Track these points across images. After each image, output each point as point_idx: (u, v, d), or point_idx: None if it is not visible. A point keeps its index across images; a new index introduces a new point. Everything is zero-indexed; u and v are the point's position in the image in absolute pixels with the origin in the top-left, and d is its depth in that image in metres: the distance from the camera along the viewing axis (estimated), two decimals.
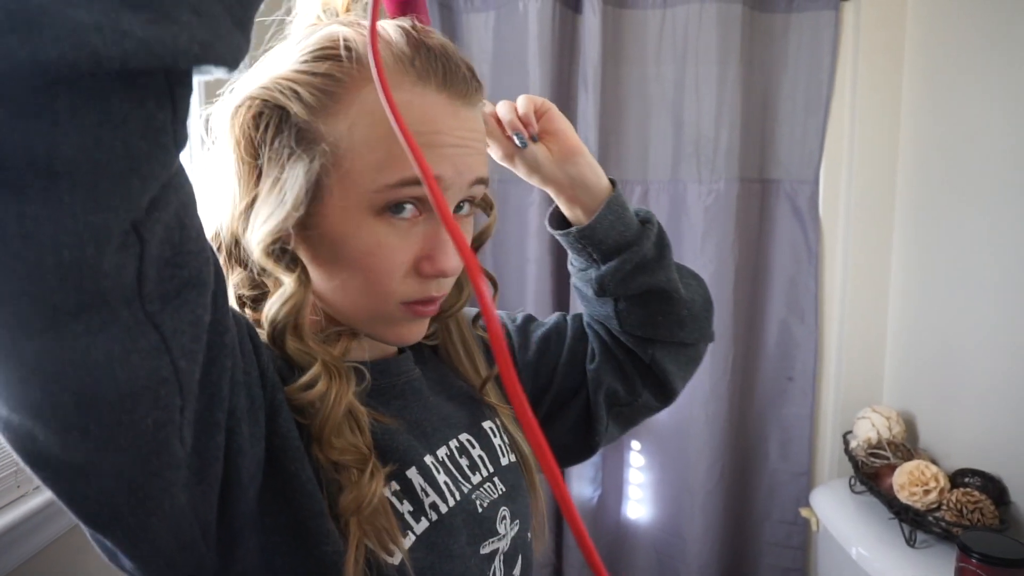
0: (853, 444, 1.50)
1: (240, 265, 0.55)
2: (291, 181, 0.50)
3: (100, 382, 0.32)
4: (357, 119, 0.50)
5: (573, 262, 0.74)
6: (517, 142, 0.66)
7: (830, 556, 1.44)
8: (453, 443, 0.61)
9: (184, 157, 0.36)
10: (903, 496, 1.26)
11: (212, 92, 0.55)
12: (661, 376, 0.75)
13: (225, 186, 0.54)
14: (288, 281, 0.52)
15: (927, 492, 1.23)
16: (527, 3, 1.54)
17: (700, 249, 1.60)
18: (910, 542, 1.24)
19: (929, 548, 1.23)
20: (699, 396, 1.63)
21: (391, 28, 0.53)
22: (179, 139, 0.32)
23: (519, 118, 0.67)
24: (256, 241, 0.52)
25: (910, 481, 1.25)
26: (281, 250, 0.52)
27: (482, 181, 0.56)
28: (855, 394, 1.63)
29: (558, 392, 0.75)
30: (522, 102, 0.67)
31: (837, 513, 1.43)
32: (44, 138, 0.27)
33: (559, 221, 0.73)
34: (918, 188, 1.52)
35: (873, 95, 1.56)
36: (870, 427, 1.47)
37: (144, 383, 0.34)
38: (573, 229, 0.69)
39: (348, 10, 0.57)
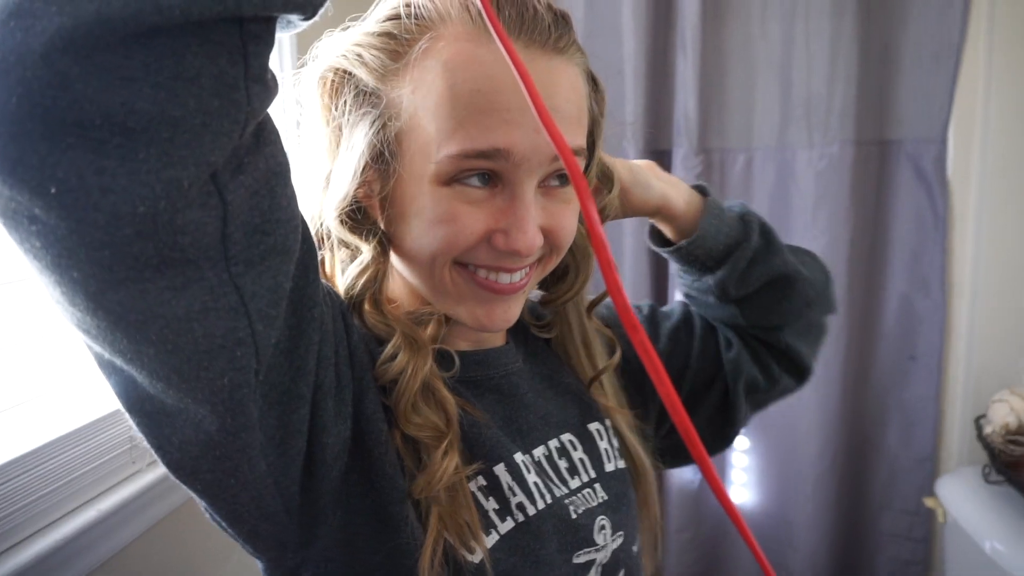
0: (988, 430, 1.36)
1: (341, 243, 0.54)
2: (354, 146, 0.49)
3: (180, 335, 0.34)
4: (417, 81, 0.47)
5: (683, 274, 0.70)
6: None
7: (959, 550, 1.33)
8: (553, 443, 0.58)
9: (283, 131, 0.37)
10: None
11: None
12: (796, 358, 0.72)
13: (315, 159, 0.54)
14: (365, 250, 0.50)
15: None
16: None
17: (811, 219, 1.49)
18: None
19: None
20: None
21: None
22: (252, 96, 0.32)
23: None
24: (328, 210, 0.51)
25: None
26: (359, 219, 0.51)
27: (574, 152, 0.50)
28: (989, 375, 1.48)
29: (692, 385, 0.71)
30: None
31: (968, 504, 1.31)
32: (119, 95, 0.28)
33: (659, 235, 0.70)
34: None
35: (1014, 42, 1.39)
36: (1008, 411, 1.33)
37: (220, 342, 0.35)
38: (683, 244, 0.66)
39: None
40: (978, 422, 1.42)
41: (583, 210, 0.35)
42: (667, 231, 0.68)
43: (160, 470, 0.80)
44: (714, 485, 0.32)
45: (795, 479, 1.59)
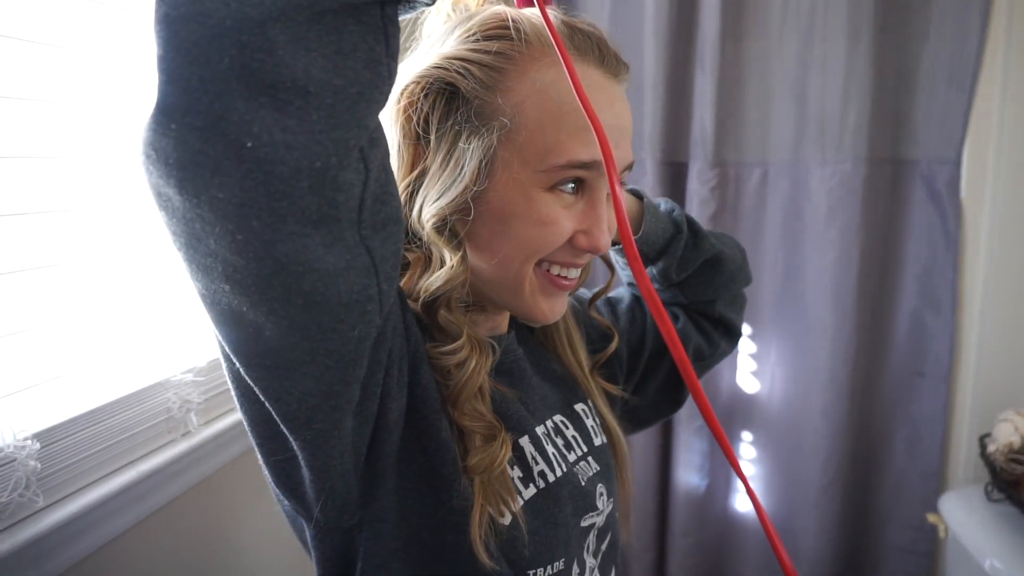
0: (991, 448, 1.38)
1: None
2: (469, 156, 0.53)
3: (328, 288, 0.38)
4: (527, 96, 0.52)
5: (628, 267, 0.77)
6: None
7: (960, 566, 1.35)
8: (549, 423, 0.64)
9: None
10: None
11: None
12: (729, 325, 0.83)
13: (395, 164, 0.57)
14: (452, 260, 0.54)
15: None
16: None
17: (823, 234, 1.52)
18: None
19: None
20: (815, 387, 1.56)
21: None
22: (392, 72, 0.38)
23: None
24: (428, 216, 0.54)
25: None
26: (448, 228, 0.54)
27: (629, 168, 0.57)
28: (996, 394, 1.50)
29: (650, 355, 0.79)
30: None
31: (970, 521, 1.33)
32: (303, 62, 0.33)
33: None
34: None
35: None
36: (1012, 431, 1.35)
37: (356, 297, 0.39)
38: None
39: (482, 4, 0.58)
40: (983, 440, 1.44)
41: (616, 210, 0.41)
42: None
43: (191, 441, 0.87)
44: (713, 427, 0.37)
45: (800, 489, 1.60)
